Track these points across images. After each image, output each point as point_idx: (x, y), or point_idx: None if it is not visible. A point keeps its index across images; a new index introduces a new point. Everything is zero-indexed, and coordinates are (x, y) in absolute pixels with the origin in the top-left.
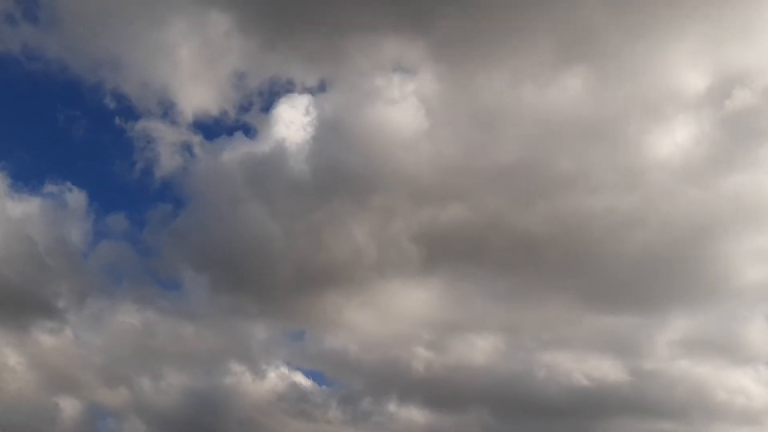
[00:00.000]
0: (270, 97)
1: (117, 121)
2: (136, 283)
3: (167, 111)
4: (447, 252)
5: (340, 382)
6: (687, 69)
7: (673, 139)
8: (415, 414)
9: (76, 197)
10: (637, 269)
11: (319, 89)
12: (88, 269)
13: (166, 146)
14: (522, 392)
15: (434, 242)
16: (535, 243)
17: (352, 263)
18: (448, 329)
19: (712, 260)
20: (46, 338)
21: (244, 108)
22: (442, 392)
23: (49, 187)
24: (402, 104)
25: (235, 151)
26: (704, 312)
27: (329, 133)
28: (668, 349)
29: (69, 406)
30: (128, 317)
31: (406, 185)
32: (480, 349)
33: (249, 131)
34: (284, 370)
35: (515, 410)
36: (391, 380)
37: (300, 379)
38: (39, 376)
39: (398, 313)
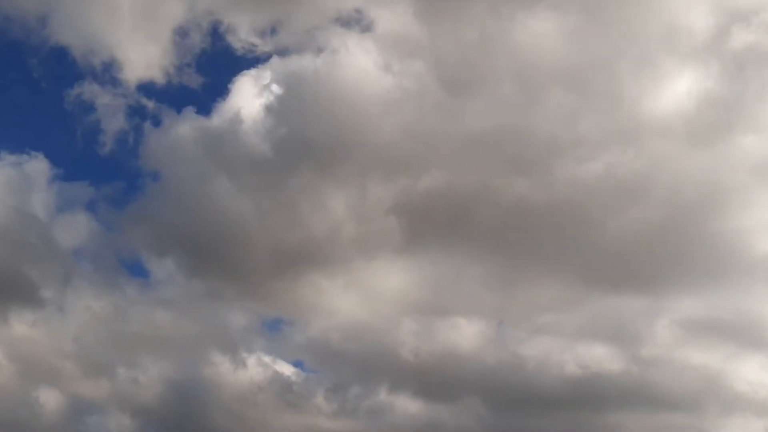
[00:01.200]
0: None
1: (55, 85)
2: (103, 268)
3: (112, 75)
4: (429, 227)
5: (325, 371)
6: (690, 10)
7: (674, 94)
8: (405, 404)
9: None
10: (638, 244)
11: (278, 53)
12: (56, 253)
13: (111, 114)
14: (516, 381)
15: (414, 216)
16: (524, 216)
17: (328, 241)
18: (436, 313)
19: (722, 232)
20: (19, 327)
21: (197, 74)
22: (432, 381)
23: None
24: (371, 67)
25: (191, 123)
26: (714, 291)
27: (292, 100)
28: (675, 333)
29: (50, 399)
30: (98, 303)
31: (378, 154)
32: (470, 335)
33: (204, 101)
34: (266, 358)
35: (509, 401)
36: (379, 368)
37: (283, 368)
38: (14, 367)
39: (381, 296)
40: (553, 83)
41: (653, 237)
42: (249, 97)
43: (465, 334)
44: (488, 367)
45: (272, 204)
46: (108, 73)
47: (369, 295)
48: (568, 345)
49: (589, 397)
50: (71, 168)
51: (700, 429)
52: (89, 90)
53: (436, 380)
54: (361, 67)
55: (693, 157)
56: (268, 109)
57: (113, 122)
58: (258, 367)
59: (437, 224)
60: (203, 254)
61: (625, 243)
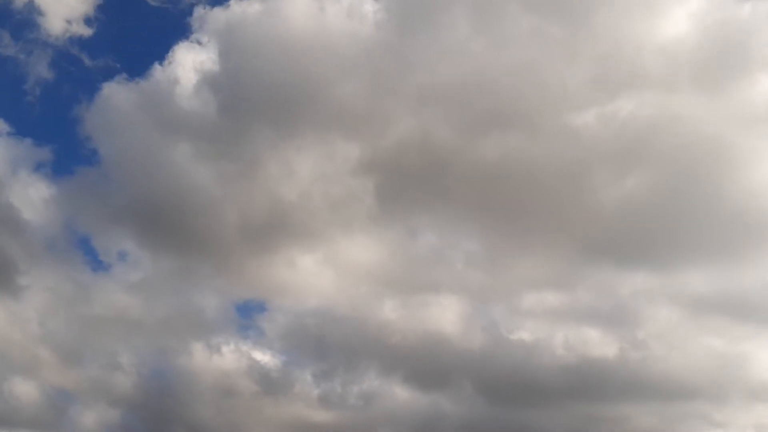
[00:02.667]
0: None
1: None
2: (61, 249)
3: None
4: (404, 189)
5: (306, 357)
6: None
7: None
8: (392, 390)
9: None
10: (642, 210)
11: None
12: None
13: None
14: (508, 367)
15: (386, 176)
16: (508, 179)
17: (296, 207)
18: (419, 290)
19: (737, 195)
20: None
21: (132, 33)
22: (419, 365)
23: None
24: (322, 12)
25: (132, 87)
26: (727, 264)
27: (236, 54)
28: (682, 312)
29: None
30: (61, 287)
31: (340, 108)
32: (457, 315)
33: (144, 61)
34: (243, 345)
35: (501, 387)
36: (362, 353)
37: (261, 355)
38: None
39: (359, 272)
40: (534, 16)
41: (657, 202)
42: (191, 55)
43: (451, 314)
44: (477, 351)
45: (231, 170)
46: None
47: (346, 271)
48: (562, 327)
49: (588, 385)
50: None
51: (715, 421)
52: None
53: (423, 364)
54: (311, 12)
55: (695, 102)
56: (213, 65)
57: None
58: (235, 354)
59: (412, 186)
60: (167, 230)
61: (625, 209)
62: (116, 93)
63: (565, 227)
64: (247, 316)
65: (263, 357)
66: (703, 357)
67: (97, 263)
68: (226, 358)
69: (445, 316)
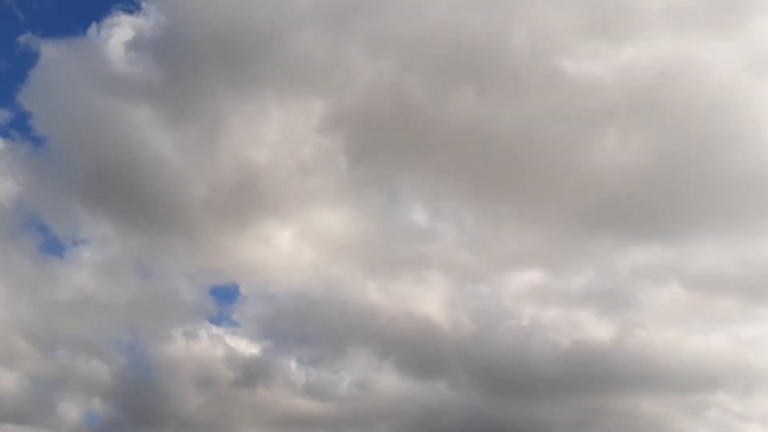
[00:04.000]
0: None
1: None
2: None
3: None
4: (375, 150)
5: (287, 342)
6: None
7: None
8: (383, 378)
9: None
10: (647, 175)
11: None
12: None
13: None
14: (499, 352)
15: (359, 138)
16: (491, 138)
17: (263, 175)
18: (404, 267)
19: (752, 155)
20: None
21: None
22: (409, 351)
23: None
24: None
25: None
26: (743, 236)
27: (190, 9)
28: (698, 291)
29: None
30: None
31: (299, 61)
32: (447, 295)
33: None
34: (222, 331)
35: (492, 374)
36: (347, 337)
37: (239, 341)
38: None
39: (338, 248)
40: None
41: (664, 166)
42: (135, 16)
43: (440, 295)
44: (470, 336)
45: (191, 136)
46: None
47: (325, 248)
48: (559, 309)
49: (590, 374)
50: None
51: (736, 413)
52: None
53: (413, 350)
54: None
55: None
56: (159, 24)
57: None
58: (212, 341)
59: (388, 144)
60: (126, 205)
61: (628, 174)
62: (57, 58)
63: (561, 195)
64: (223, 299)
65: (242, 344)
66: (718, 341)
67: (54, 245)
68: (204, 345)
69: (434, 297)
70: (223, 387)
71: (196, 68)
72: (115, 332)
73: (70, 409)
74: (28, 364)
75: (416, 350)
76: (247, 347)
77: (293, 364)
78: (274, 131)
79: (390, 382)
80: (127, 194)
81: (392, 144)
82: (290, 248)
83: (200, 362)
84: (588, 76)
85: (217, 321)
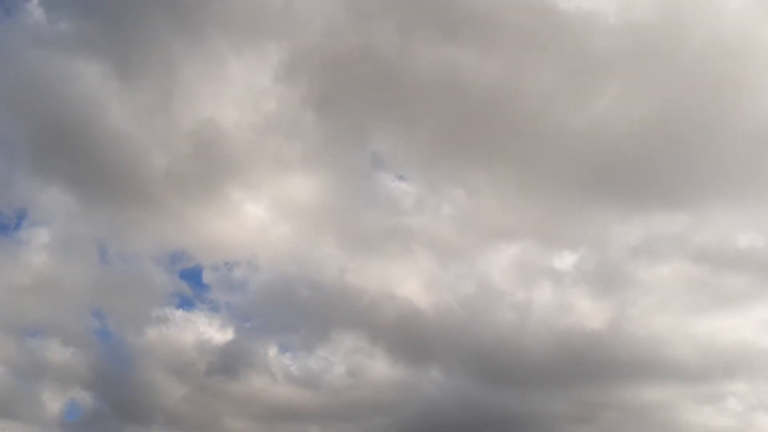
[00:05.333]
0: None
1: None
2: None
3: None
4: (348, 109)
5: (264, 325)
6: None
7: None
8: (368, 364)
9: None
10: (647, 136)
11: None
12: None
13: None
14: (495, 341)
15: (325, 88)
16: (475, 92)
17: (226, 133)
18: (380, 240)
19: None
20: None
21: None
22: (395, 335)
23: None
24: None
25: None
26: (756, 206)
27: None
28: (706, 268)
29: None
30: None
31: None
32: (431, 273)
33: None
34: (194, 314)
35: (487, 365)
36: (330, 320)
37: (210, 325)
38: None
39: (309, 217)
40: None
41: (665, 124)
42: None
43: (423, 274)
44: (456, 319)
45: (142, 95)
46: None
47: (296, 219)
48: (558, 293)
49: (587, 361)
50: None
51: (752, 404)
52: None
53: (399, 335)
54: None
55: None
56: None
57: None
58: (187, 326)
59: (353, 98)
60: (79, 176)
61: (625, 135)
62: None
63: (552, 157)
64: (194, 280)
65: (220, 330)
66: (730, 323)
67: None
68: (178, 331)
69: (419, 275)
70: (203, 376)
71: (142, 17)
72: (82, 319)
73: (49, 401)
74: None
75: (404, 335)
76: (225, 333)
77: (276, 352)
78: (233, 85)
79: (380, 370)
80: (79, 164)
81: (361, 95)
82: (262, 222)
83: (177, 349)
84: (584, 16)
85: (189, 305)
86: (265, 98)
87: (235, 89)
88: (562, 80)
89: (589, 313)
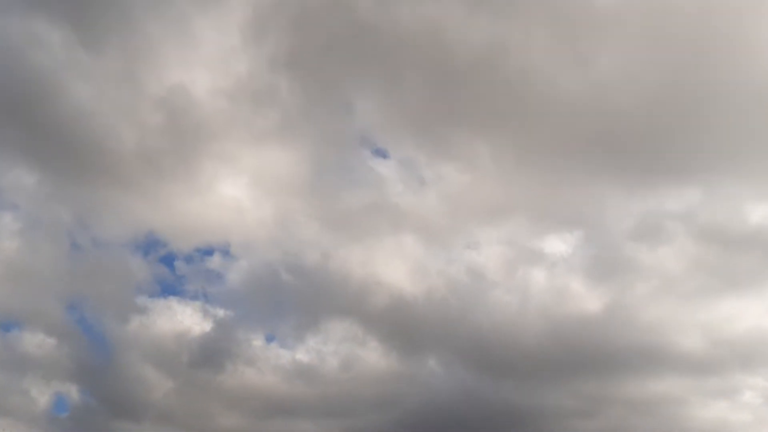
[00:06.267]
0: None
1: None
2: None
3: None
4: (324, 68)
5: (248, 311)
6: None
7: None
8: (362, 356)
9: None
10: (654, 106)
11: None
12: None
13: None
14: (491, 331)
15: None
16: (462, 54)
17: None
18: (371, 225)
19: None
20: None
21: None
22: (386, 324)
23: None
24: None
25: None
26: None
27: None
28: (709, 248)
29: None
30: None
31: None
32: (422, 257)
33: None
34: (168, 301)
35: (484, 355)
36: (319, 307)
37: (191, 315)
38: None
39: (290, 194)
40: None
41: (669, 91)
42: None
43: (413, 257)
44: (450, 308)
45: (109, 59)
46: None
47: (277, 198)
48: (552, 276)
49: (587, 352)
50: None
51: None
52: None
53: (390, 324)
54: None
55: None
56: None
57: None
58: (165, 314)
59: (329, 59)
60: (49, 152)
61: (625, 104)
62: None
63: (545, 127)
64: (172, 267)
65: (197, 319)
66: (743, 309)
67: None
68: (157, 320)
69: (406, 259)
70: (188, 367)
71: None
72: (57, 309)
73: (34, 395)
74: None
75: (395, 323)
76: (207, 322)
77: (262, 342)
78: (200, 47)
79: (374, 361)
80: (41, 141)
81: (336, 54)
82: (239, 201)
83: (159, 340)
84: None
85: (170, 293)
86: (234, 60)
87: (203, 51)
88: (558, 40)
89: (589, 298)
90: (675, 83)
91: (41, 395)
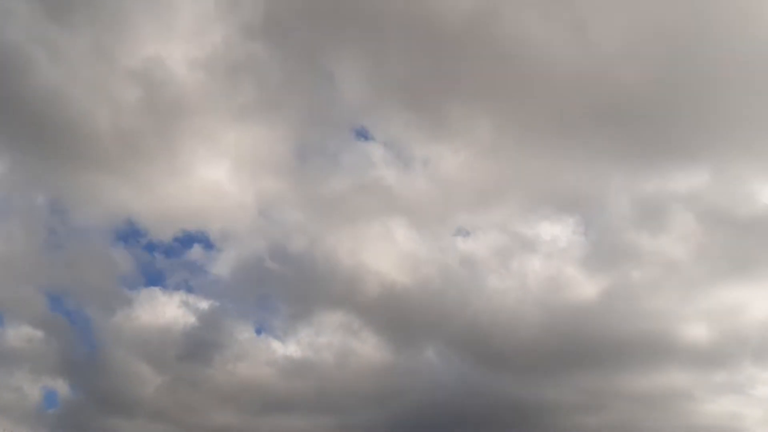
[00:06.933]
0: None
1: None
2: None
3: None
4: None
5: (243, 305)
6: None
7: None
8: (357, 350)
9: None
10: (661, 77)
11: None
12: None
13: None
14: (488, 322)
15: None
16: (452, 19)
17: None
18: (352, 202)
19: None
20: None
21: None
22: (379, 314)
23: None
24: None
25: None
26: None
27: None
28: (719, 232)
29: None
30: None
31: None
32: (411, 241)
33: None
34: (152, 292)
35: (480, 348)
36: (307, 296)
37: (173, 306)
38: None
39: (268, 176)
40: None
41: (676, 58)
42: None
43: (397, 243)
44: (447, 298)
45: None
46: None
47: (253, 177)
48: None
49: (588, 344)
50: None
51: None
52: None
53: (383, 313)
54: None
55: None
56: None
57: None
58: (150, 305)
59: (311, 32)
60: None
61: (627, 75)
62: None
63: (542, 99)
64: (155, 256)
65: (184, 310)
66: (757, 297)
67: None
68: (142, 311)
69: (397, 245)
70: (176, 361)
71: None
72: (37, 300)
73: (22, 390)
74: None
75: (388, 314)
76: (194, 314)
77: (252, 334)
78: (174, 17)
79: (370, 354)
80: (12, 120)
81: (316, 22)
82: (221, 184)
83: (145, 332)
84: None
85: (154, 283)
86: (209, 29)
87: (177, 21)
88: (556, 7)
89: (590, 286)
90: (683, 53)
91: (30, 390)
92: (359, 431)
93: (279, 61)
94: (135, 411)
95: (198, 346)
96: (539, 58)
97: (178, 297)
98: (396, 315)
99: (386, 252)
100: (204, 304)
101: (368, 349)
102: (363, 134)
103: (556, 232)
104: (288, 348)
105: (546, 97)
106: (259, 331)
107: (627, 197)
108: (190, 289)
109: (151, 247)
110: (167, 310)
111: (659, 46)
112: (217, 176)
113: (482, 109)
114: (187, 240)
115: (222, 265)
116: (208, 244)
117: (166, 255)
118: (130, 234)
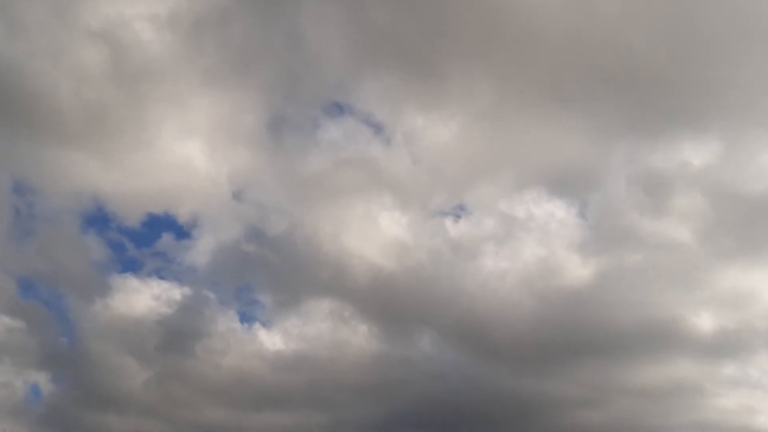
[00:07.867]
0: None
1: None
2: None
3: None
4: None
5: (226, 292)
6: None
7: None
8: (349, 340)
9: None
10: (667, 42)
11: None
12: None
13: None
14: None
15: None
16: None
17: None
18: (334, 179)
19: None
20: None
21: None
22: (367, 298)
23: None
24: None
25: None
26: None
27: None
28: (728, 212)
29: None
30: None
31: None
32: (400, 223)
33: None
34: (127, 279)
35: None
36: (291, 281)
37: (162, 293)
38: None
39: (243, 148)
40: None
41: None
42: None
43: (396, 222)
44: (443, 286)
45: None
46: None
47: (227, 150)
48: (546, 248)
49: (594, 339)
50: None
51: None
52: None
53: (371, 298)
54: None
55: None
56: None
57: None
58: (128, 292)
59: None
60: None
61: (632, 38)
62: None
63: (539, 72)
64: (130, 240)
65: (165, 298)
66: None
67: None
68: (120, 300)
69: (383, 228)
70: (157, 353)
71: None
72: (8, 289)
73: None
74: None
75: (379, 301)
76: (176, 302)
77: (240, 325)
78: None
79: (361, 345)
80: None
81: None
82: (195, 160)
83: (125, 322)
84: None
85: (128, 269)
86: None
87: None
88: None
89: (587, 270)
90: (693, 13)
91: (13, 384)
92: (353, 426)
93: (246, 17)
94: (122, 406)
95: (181, 336)
96: (536, 16)
97: (155, 285)
98: (386, 302)
99: (373, 234)
100: (184, 292)
101: (359, 338)
102: (341, 105)
103: (553, 211)
104: (275, 338)
105: (542, 60)
106: (243, 321)
107: (630, 172)
108: (165, 276)
109: (123, 231)
110: (145, 299)
111: (667, 5)
112: (188, 152)
113: (476, 73)
114: (160, 222)
115: (199, 251)
116: (181, 227)
117: (139, 239)
118: (99, 217)
